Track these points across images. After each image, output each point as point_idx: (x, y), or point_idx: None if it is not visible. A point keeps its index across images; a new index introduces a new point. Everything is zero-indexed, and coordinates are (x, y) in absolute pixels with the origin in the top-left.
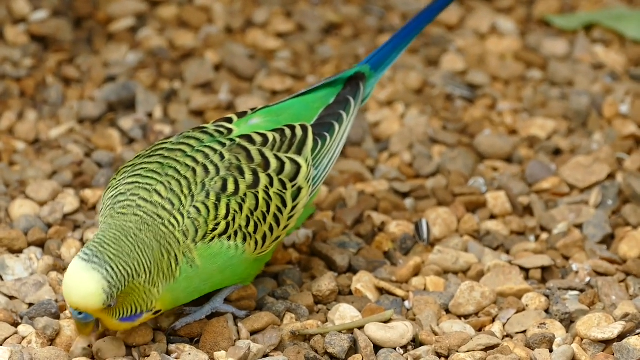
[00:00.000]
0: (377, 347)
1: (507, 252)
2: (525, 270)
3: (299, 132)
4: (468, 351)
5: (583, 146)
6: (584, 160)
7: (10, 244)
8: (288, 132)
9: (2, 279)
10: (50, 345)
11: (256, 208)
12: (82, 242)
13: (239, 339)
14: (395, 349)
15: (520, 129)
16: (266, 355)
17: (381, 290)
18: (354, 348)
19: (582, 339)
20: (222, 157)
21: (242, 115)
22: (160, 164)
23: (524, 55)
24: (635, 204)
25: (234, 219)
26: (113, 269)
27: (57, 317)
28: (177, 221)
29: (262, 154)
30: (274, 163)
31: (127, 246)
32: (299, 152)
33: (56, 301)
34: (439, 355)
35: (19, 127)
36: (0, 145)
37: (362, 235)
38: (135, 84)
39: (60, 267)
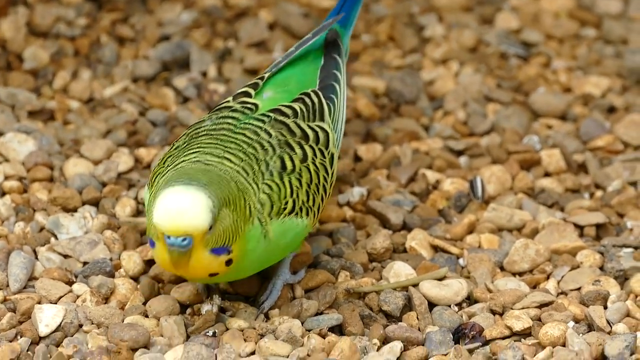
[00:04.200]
0: (431, 305)
1: (562, 209)
2: (579, 228)
3: (314, 99)
4: (522, 308)
5: (637, 104)
6: (638, 118)
7: (64, 202)
8: (308, 100)
9: (57, 238)
10: (105, 303)
11: (311, 181)
12: (137, 200)
13: (294, 297)
14: (449, 306)
15: (575, 87)
16: (320, 313)
17: (435, 248)
18: (408, 305)
19: (636, 296)
20: (268, 134)
21: (255, 87)
22: (218, 139)
23: (578, 14)
24: None
25: (297, 196)
26: (212, 190)
27: (112, 276)
28: (253, 188)
29: (299, 126)
30: (310, 134)
31: (212, 175)
32: (322, 118)
33: (110, 259)
34: (493, 312)
35: (73, 86)
36: (54, 104)
37: (417, 193)
38: (190, 43)
39: (114, 225)
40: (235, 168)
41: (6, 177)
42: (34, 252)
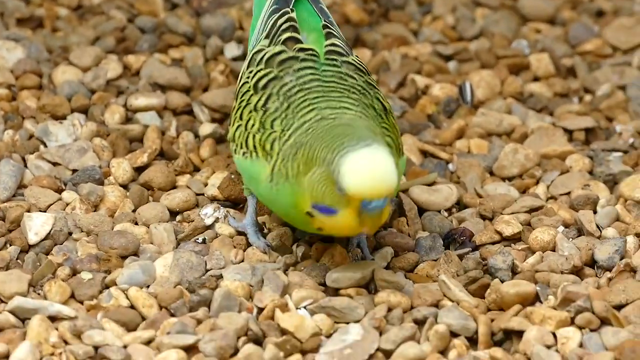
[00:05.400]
0: (421, 210)
1: (551, 113)
2: (568, 132)
3: (336, 29)
4: (512, 213)
5: (626, 7)
6: (627, 21)
7: (53, 110)
8: (336, 33)
9: (46, 145)
10: (94, 211)
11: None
12: (126, 107)
13: None
14: (439, 211)
15: None
16: None
17: (425, 153)
18: (398, 211)
19: (625, 200)
20: (352, 77)
21: (296, 30)
22: (320, 92)
23: None
24: None
25: (399, 134)
26: (385, 144)
27: (101, 183)
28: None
29: (359, 63)
30: (365, 66)
31: (365, 124)
32: (350, 46)
33: (100, 167)
34: (483, 217)
35: None
36: (42, 12)
37: (406, 99)
38: None
39: (103, 132)
40: (357, 113)
41: None
42: (23, 159)
